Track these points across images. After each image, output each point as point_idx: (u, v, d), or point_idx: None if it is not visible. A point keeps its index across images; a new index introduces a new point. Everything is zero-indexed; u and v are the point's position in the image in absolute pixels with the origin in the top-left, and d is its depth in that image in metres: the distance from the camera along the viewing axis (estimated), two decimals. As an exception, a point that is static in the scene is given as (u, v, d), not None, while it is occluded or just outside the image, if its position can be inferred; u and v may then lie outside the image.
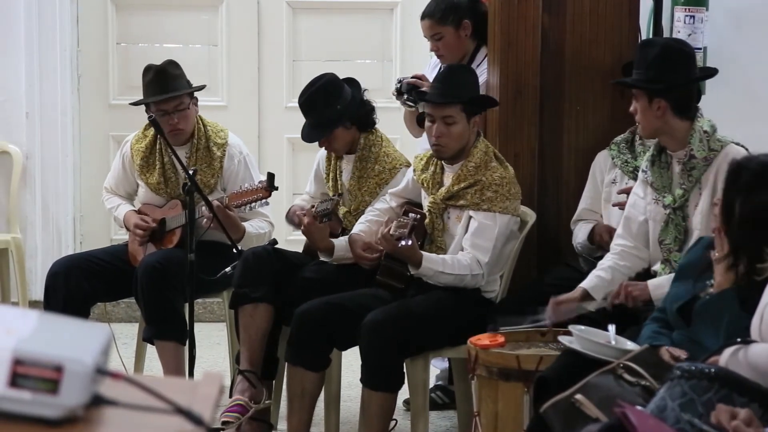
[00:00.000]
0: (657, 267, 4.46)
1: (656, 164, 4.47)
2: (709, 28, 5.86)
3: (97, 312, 5.77)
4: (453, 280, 4.71)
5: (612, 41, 5.24)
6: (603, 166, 5.03)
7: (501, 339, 4.32)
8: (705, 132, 4.39)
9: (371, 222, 5.02)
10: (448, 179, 4.86)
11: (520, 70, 5.23)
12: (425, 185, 4.92)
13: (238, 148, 5.43)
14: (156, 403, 1.73)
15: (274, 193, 5.08)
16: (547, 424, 3.58)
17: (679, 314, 3.70)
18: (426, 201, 4.92)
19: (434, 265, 4.70)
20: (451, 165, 4.86)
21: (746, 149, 4.42)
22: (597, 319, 4.25)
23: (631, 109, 4.51)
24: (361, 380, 4.69)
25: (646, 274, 4.51)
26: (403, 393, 4.89)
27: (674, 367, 3.20)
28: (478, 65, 5.39)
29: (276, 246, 5.11)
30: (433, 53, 5.61)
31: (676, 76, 4.38)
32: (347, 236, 5.05)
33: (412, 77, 5.39)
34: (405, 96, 5.36)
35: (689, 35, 5.67)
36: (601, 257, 4.92)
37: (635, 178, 4.77)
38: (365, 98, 5.20)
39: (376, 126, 5.22)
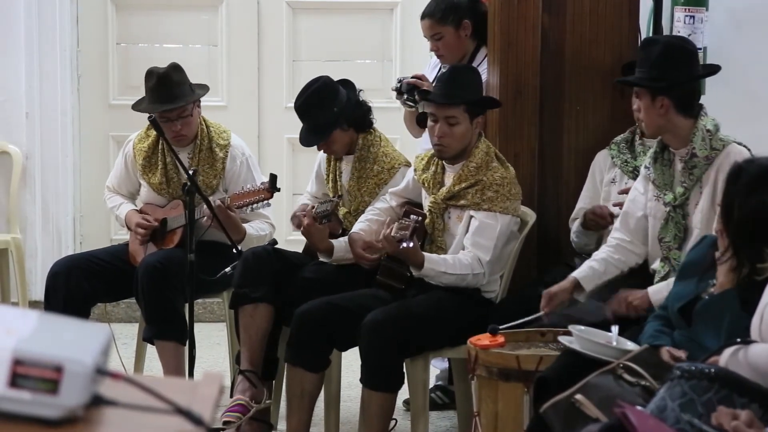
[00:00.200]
0: (656, 265, 4.46)
1: (659, 161, 4.47)
2: (709, 28, 5.86)
3: (97, 312, 5.77)
4: (455, 279, 4.72)
5: (612, 41, 5.24)
6: (602, 166, 5.03)
7: (501, 339, 4.32)
8: (708, 131, 4.39)
9: (371, 221, 5.02)
10: (448, 179, 4.86)
11: (520, 70, 5.23)
12: (426, 185, 4.92)
13: (241, 150, 5.43)
14: (156, 404, 1.73)
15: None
16: (547, 424, 3.58)
17: (680, 314, 3.70)
18: (426, 201, 4.92)
19: (436, 265, 4.70)
20: (452, 165, 4.86)
21: (748, 149, 4.43)
22: (599, 323, 4.25)
23: (634, 107, 4.51)
24: (361, 380, 4.69)
25: (644, 272, 4.51)
26: (403, 393, 4.89)
27: (674, 367, 3.20)
28: (478, 65, 5.39)
29: (276, 246, 5.11)
30: (433, 53, 5.61)
31: (679, 74, 4.38)
32: (347, 237, 5.06)
33: (412, 77, 5.39)
34: (405, 96, 5.36)
35: (689, 35, 5.67)
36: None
37: (635, 178, 4.77)
38: (361, 99, 5.19)
39: (375, 126, 5.23)
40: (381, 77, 7.09)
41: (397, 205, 5.06)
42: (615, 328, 3.99)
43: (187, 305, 4.83)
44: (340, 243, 5.02)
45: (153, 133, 5.39)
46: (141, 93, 5.43)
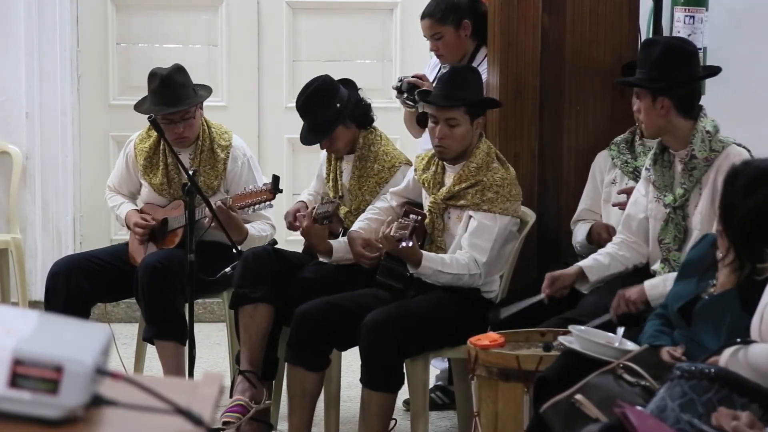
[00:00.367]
0: (656, 266, 4.46)
1: (658, 163, 4.48)
2: (709, 28, 5.86)
3: (97, 312, 5.77)
4: (451, 279, 4.72)
5: (612, 41, 5.24)
6: (603, 167, 5.03)
7: (501, 339, 4.32)
8: (707, 132, 4.39)
9: (371, 220, 5.02)
10: (449, 179, 4.86)
11: (520, 70, 5.23)
12: (426, 185, 4.92)
13: (242, 150, 5.43)
14: (156, 404, 1.73)
15: (273, 194, 5.10)
16: (547, 425, 3.59)
17: (680, 314, 3.70)
18: (426, 201, 4.92)
19: (433, 264, 4.70)
20: (453, 165, 4.86)
21: (748, 150, 4.43)
22: (600, 323, 4.24)
23: (634, 108, 4.51)
24: (361, 380, 4.69)
25: (645, 272, 4.51)
26: (403, 393, 4.89)
27: (674, 367, 3.21)
28: (478, 65, 5.39)
29: (276, 246, 5.11)
30: (433, 53, 5.61)
31: (680, 75, 4.38)
32: (343, 238, 5.06)
33: (412, 77, 5.39)
34: (405, 95, 5.36)
35: (689, 35, 5.67)
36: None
37: (635, 179, 4.77)
38: (361, 97, 5.20)
39: (375, 125, 5.23)
40: (381, 77, 7.09)
41: (398, 204, 5.06)
42: (621, 330, 3.99)
43: (187, 305, 4.83)
44: (339, 244, 5.02)
45: (154, 133, 5.38)
46: (141, 93, 5.43)
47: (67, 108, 7.07)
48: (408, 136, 5.84)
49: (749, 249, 3.46)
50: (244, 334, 4.96)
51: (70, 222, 7.18)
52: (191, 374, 4.79)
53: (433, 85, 5.23)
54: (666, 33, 5.68)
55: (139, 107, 5.36)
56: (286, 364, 4.90)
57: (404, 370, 4.70)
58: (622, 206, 4.80)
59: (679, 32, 5.69)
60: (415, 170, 5.02)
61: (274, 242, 5.13)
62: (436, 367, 5.66)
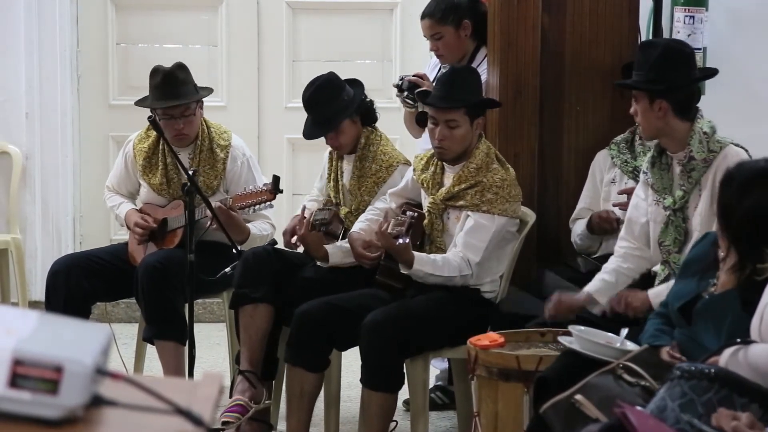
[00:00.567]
0: (657, 268, 4.46)
1: (656, 166, 4.47)
2: (708, 29, 5.86)
3: (97, 312, 5.77)
4: (442, 281, 4.72)
5: (612, 41, 5.24)
6: (602, 166, 5.03)
7: (501, 339, 4.32)
8: (704, 133, 4.39)
9: (371, 221, 5.02)
10: (448, 179, 4.86)
11: (520, 70, 5.23)
12: (425, 185, 4.92)
13: (242, 150, 5.43)
14: (156, 404, 1.73)
15: (273, 193, 5.10)
16: (547, 425, 3.59)
17: (681, 313, 3.70)
18: (426, 201, 4.92)
19: (425, 267, 4.69)
20: (452, 166, 4.86)
21: (746, 150, 4.43)
22: (598, 323, 4.24)
23: (632, 110, 4.51)
24: (361, 380, 4.69)
25: (647, 274, 4.51)
26: (403, 393, 4.89)
27: (674, 367, 3.21)
28: (478, 65, 5.39)
29: (276, 246, 5.11)
30: (433, 53, 5.61)
31: (677, 77, 4.38)
32: (342, 242, 5.07)
33: (413, 75, 5.40)
34: (405, 93, 5.36)
35: (689, 35, 5.67)
36: (598, 255, 4.93)
37: (635, 178, 4.77)
38: (366, 95, 5.21)
39: (376, 125, 5.23)
40: (381, 77, 7.08)
41: (397, 206, 5.05)
42: (624, 331, 3.98)
43: (187, 305, 4.83)
44: (335, 249, 5.03)
45: (153, 133, 5.39)
46: (141, 93, 5.43)
47: (67, 108, 7.07)
48: (408, 136, 5.84)
49: (750, 250, 3.46)
50: (243, 334, 4.95)
51: (70, 222, 7.18)
52: (191, 374, 4.79)
53: (433, 85, 5.23)
54: (666, 33, 5.68)
55: (141, 103, 5.37)
56: (285, 364, 4.90)
57: (404, 370, 4.70)
58: (621, 206, 4.80)
59: (679, 32, 5.70)
60: (414, 170, 5.01)
61: (274, 242, 5.13)
62: (436, 367, 5.65)
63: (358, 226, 5.03)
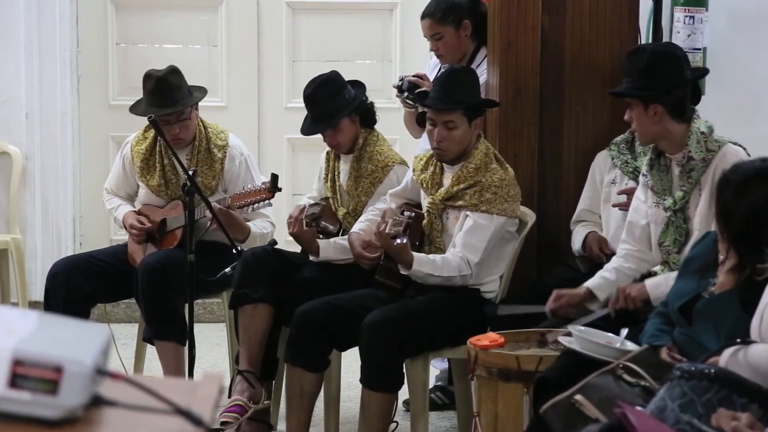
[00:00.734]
0: (657, 269, 4.46)
1: (655, 168, 4.48)
2: (708, 29, 5.86)
3: (97, 312, 5.77)
4: (441, 281, 4.72)
5: (612, 41, 5.24)
6: (602, 167, 5.03)
7: (501, 339, 4.32)
8: (702, 133, 4.39)
9: (371, 221, 5.02)
10: (447, 180, 4.86)
11: (519, 70, 5.23)
12: (424, 185, 4.92)
13: (239, 150, 5.43)
14: (156, 404, 1.73)
15: (273, 193, 5.10)
16: (547, 425, 3.58)
17: (681, 312, 3.70)
18: (425, 201, 4.92)
19: (424, 267, 4.69)
20: (452, 166, 4.86)
21: (744, 149, 4.43)
22: (599, 324, 4.24)
23: (626, 117, 4.50)
24: (361, 381, 4.69)
25: (647, 274, 4.51)
26: (403, 393, 4.89)
27: (674, 367, 3.21)
28: (477, 65, 5.39)
29: (276, 246, 5.12)
30: (433, 53, 5.61)
31: (669, 79, 4.38)
32: (336, 238, 5.07)
33: (413, 76, 5.40)
34: (405, 94, 5.36)
35: (689, 35, 5.68)
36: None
37: (635, 179, 4.77)
38: (367, 96, 5.22)
39: (374, 126, 5.23)
40: (381, 77, 7.08)
41: (397, 207, 5.05)
42: (624, 331, 3.98)
43: (186, 305, 4.83)
44: (327, 244, 5.04)
45: (150, 134, 5.39)
46: (141, 93, 5.43)
47: (67, 108, 7.07)
48: (408, 137, 5.84)
49: (749, 250, 3.46)
50: (243, 334, 4.95)
51: (70, 222, 7.18)
52: (191, 374, 4.79)
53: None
54: (666, 33, 5.69)
55: (134, 109, 5.37)
56: (285, 364, 4.90)
57: (404, 371, 4.70)
58: (622, 207, 4.80)
59: (678, 32, 5.70)
60: (414, 170, 5.01)
61: (274, 242, 5.14)
62: (436, 367, 5.65)
63: (358, 226, 5.04)
